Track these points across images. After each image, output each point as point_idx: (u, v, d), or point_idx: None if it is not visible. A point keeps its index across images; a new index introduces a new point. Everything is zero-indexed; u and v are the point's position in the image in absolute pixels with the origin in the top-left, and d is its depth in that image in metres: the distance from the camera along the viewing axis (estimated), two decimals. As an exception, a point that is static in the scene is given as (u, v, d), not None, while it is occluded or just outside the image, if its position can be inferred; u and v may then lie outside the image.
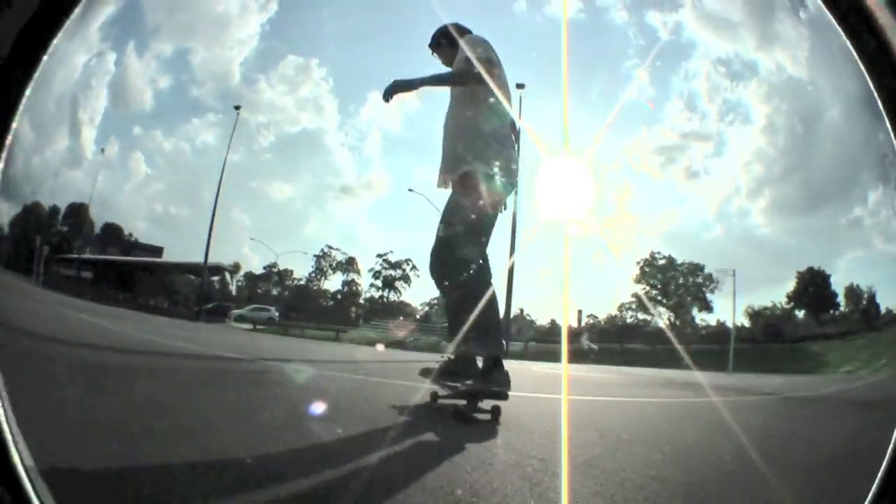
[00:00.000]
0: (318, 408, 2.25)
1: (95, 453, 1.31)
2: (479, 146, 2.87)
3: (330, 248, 6.67)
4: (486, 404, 2.43)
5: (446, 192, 2.92)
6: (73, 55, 5.40)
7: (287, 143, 6.88)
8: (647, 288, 7.33)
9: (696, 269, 7.56)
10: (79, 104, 6.11)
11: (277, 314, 6.25)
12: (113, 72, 6.03)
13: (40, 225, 6.26)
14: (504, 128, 2.96)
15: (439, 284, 2.85)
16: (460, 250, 2.77)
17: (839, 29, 0.96)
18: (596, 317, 7.34)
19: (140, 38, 6.17)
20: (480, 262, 2.81)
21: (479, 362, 2.69)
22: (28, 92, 1.06)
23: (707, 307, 7.44)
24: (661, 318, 7.24)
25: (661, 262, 7.38)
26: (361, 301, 6.60)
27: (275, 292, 6.61)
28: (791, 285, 7.14)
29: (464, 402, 2.52)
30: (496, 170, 2.83)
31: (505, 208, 2.92)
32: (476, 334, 2.69)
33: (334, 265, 6.67)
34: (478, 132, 2.89)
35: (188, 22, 6.73)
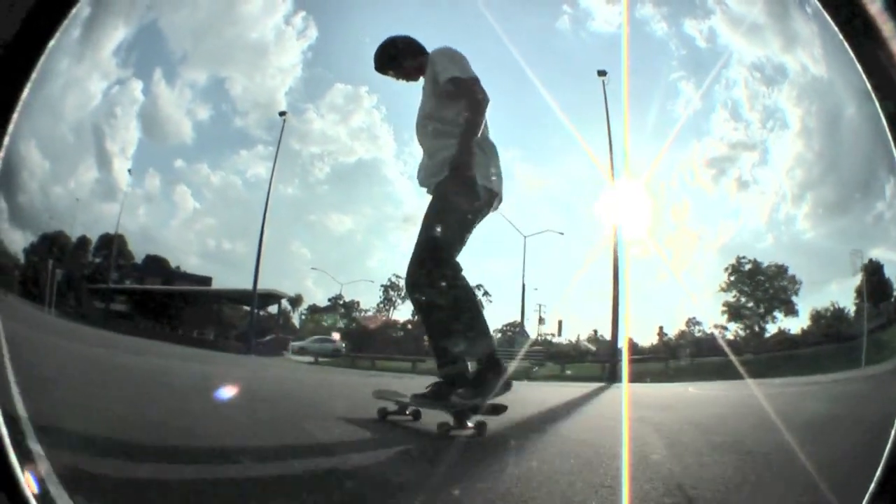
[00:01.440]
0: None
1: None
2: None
3: (398, 276, 6.27)
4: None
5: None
6: (86, 81, 5.22)
7: (343, 175, 6.40)
8: (737, 295, 6.74)
9: (781, 271, 7.00)
10: (104, 134, 5.83)
11: (343, 345, 5.73)
12: (141, 101, 5.69)
13: (64, 254, 5.89)
14: (486, 135, 2.95)
15: (419, 293, 2.84)
16: (442, 255, 2.76)
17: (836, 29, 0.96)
18: (666, 334, 6.95)
19: (167, 65, 5.84)
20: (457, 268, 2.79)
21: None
22: (28, 88, 1.03)
23: (793, 311, 6.96)
24: (755, 325, 6.66)
25: (748, 266, 6.81)
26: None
27: (340, 324, 6.22)
28: (834, 286, 6.64)
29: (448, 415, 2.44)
30: (479, 177, 2.82)
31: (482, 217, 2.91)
32: (464, 336, 2.73)
33: (403, 294, 6.18)
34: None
35: (219, 49, 6.28)
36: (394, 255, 6.51)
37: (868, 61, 0.95)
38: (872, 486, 0.89)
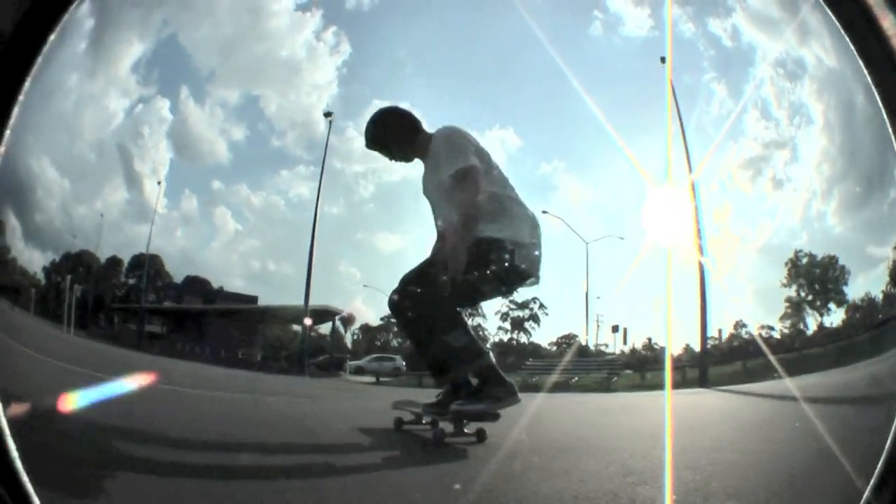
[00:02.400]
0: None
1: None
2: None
3: None
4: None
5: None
6: (103, 98, 5.08)
7: (388, 192, 6.09)
8: (797, 289, 6.56)
9: (832, 261, 6.82)
10: (132, 154, 5.59)
11: (404, 364, 5.51)
12: (170, 120, 5.45)
13: (90, 273, 5.84)
14: (520, 212, 2.99)
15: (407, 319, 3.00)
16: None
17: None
18: (716, 338, 6.82)
19: (193, 83, 5.60)
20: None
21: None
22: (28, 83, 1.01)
23: (844, 301, 6.82)
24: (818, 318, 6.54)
25: (805, 260, 6.64)
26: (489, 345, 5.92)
27: (395, 343, 6.01)
28: (861, 278, 6.58)
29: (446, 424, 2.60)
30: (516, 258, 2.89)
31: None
32: (454, 357, 2.83)
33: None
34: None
35: (248, 67, 6.12)
36: (444, 272, 6.33)
37: (863, 46, 0.95)
38: (872, 480, 0.90)
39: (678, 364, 5.49)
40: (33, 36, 1.01)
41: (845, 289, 6.92)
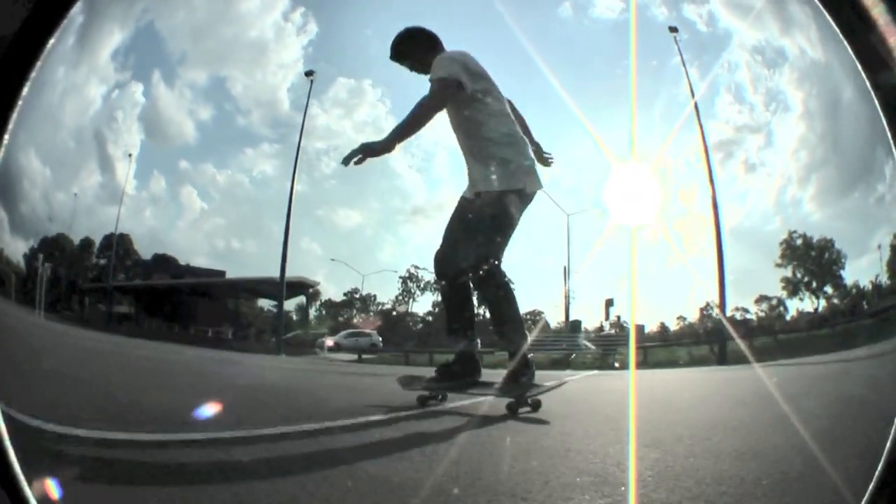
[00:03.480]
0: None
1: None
2: (487, 159, 2.98)
3: (417, 268, 6.08)
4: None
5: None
6: (85, 87, 5.16)
7: (350, 169, 5.93)
8: (793, 270, 6.42)
9: (828, 244, 6.69)
10: (106, 139, 5.68)
11: (381, 339, 5.27)
12: (143, 103, 5.59)
13: (64, 256, 5.67)
14: (507, 127, 3.05)
15: (453, 280, 2.99)
16: (478, 250, 2.92)
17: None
18: (685, 318, 6.74)
19: (165, 67, 5.77)
20: (495, 261, 2.94)
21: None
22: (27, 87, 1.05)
23: (841, 285, 6.68)
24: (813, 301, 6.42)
25: (799, 241, 6.50)
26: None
27: (356, 320, 5.92)
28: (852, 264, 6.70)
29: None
30: (510, 178, 2.95)
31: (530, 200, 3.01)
32: (502, 329, 2.92)
33: (422, 286, 6.00)
34: (482, 145, 3.01)
35: (218, 49, 6.23)
36: (404, 248, 6.35)
37: (856, 40, 0.93)
38: (873, 483, 0.89)
39: (684, 341, 5.35)
40: (33, 41, 1.03)
41: (843, 273, 6.98)
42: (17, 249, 4.71)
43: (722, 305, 5.32)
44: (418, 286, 5.94)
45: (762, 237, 7.31)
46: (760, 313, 6.77)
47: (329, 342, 5.35)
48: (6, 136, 1.02)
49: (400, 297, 5.95)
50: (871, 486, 0.88)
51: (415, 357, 5.09)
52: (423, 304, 6.09)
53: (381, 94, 6.50)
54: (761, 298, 6.82)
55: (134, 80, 5.57)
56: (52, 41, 1.06)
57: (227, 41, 6.29)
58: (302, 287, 5.37)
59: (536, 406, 2.66)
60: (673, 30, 5.11)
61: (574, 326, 5.18)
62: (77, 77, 4.94)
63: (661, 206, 4.50)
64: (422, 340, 5.64)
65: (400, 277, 5.95)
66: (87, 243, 6.17)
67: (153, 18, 5.49)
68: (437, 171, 6.64)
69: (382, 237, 6.61)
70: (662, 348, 5.37)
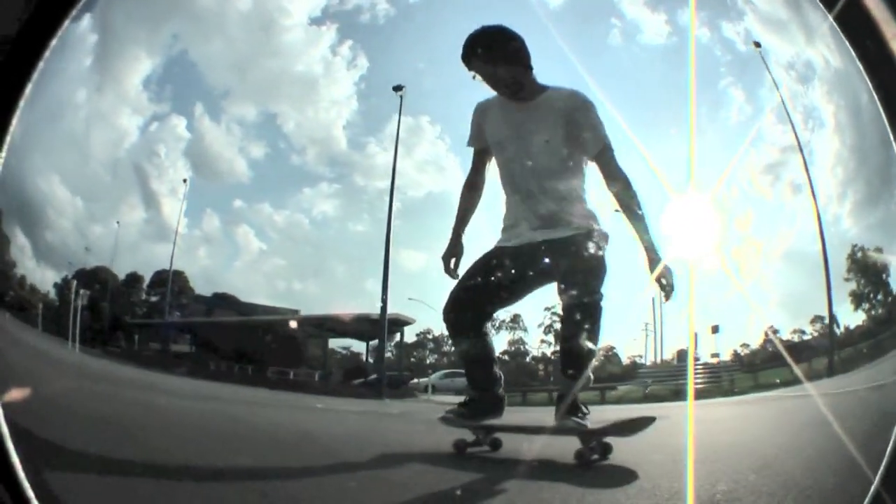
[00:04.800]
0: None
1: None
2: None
3: None
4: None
5: None
6: (114, 116, 5.05)
7: (413, 209, 5.99)
8: (857, 283, 6.46)
9: (880, 252, 6.77)
10: (148, 174, 5.56)
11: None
12: (188, 138, 5.38)
13: (105, 290, 5.57)
14: None
15: None
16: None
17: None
18: (748, 345, 6.85)
19: (209, 101, 5.51)
20: None
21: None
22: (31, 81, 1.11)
23: (892, 293, 6.80)
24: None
25: (860, 254, 6.56)
26: (529, 359, 5.71)
27: (430, 360, 5.77)
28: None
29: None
30: None
31: None
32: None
33: (496, 325, 5.95)
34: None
35: (263, 83, 6.01)
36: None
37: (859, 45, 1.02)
38: (875, 482, 0.90)
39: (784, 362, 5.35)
40: (34, 43, 1.06)
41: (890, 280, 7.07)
42: (45, 278, 4.60)
43: (831, 317, 5.21)
44: (493, 325, 5.86)
45: (808, 257, 7.39)
46: (815, 333, 7.15)
47: (426, 382, 5.21)
48: (7, 137, 1.03)
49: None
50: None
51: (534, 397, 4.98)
52: (501, 341, 5.90)
53: (441, 132, 6.17)
54: (816, 319, 7.08)
55: (174, 113, 5.38)
56: (53, 42, 1.09)
57: (273, 75, 6.11)
58: (397, 325, 5.20)
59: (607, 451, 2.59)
60: (757, 45, 4.97)
61: (680, 356, 5.17)
62: (103, 104, 4.85)
63: (720, 236, 4.51)
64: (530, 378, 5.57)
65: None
66: (134, 278, 6.03)
67: (186, 47, 5.27)
68: (502, 209, 6.68)
69: (447, 279, 6.61)
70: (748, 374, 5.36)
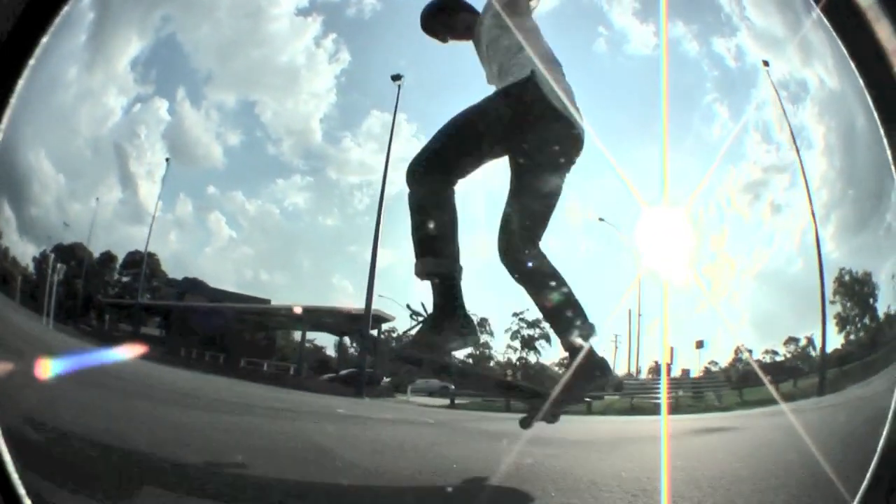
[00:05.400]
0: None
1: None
2: None
3: None
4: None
5: None
6: (102, 94, 5.03)
7: (384, 206, 5.94)
8: (842, 305, 6.44)
9: (867, 277, 6.76)
10: (128, 154, 5.55)
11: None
12: (168, 121, 5.38)
13: (81, 267, 5.50)
14: None
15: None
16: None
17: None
18: (716, 363, 6.84)
19: (191, 85, 5.50)
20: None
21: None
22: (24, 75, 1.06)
23: (876, 317, 6.79)
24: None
25: (847, 277, 6.53)
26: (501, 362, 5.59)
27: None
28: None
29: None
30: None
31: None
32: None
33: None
34: None
35: (246, 71, 6.03)
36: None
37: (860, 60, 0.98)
38: (867, 478, 0.94)
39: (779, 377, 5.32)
40: (30, 33, 1.03)
41: (877, 305, 7.03)
42: (26, 252, 4.58)
43: (823, 341, 5.31)
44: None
45: (786, 279, 6.91)
46: (788, 354, 7.27)
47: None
48: (4, 120, 1.00)
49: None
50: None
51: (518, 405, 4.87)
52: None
53: (417, 130, 6.07)
54: (790, 340, 7.13)
55: (157, 96, 5.35)
56: (50, 31, 1.05)
57: (256, 64, 6.08)
58: (378, 321, 5.07)
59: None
60: (765, 63, 4.98)
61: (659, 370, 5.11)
62: (93, 82, 4.82)
63: (692, 251, 4.54)
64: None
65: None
66: (108, 258, 5.91)
67: (175, 30, 5.24)
68: (474, 211, 6.62)
69: (414, 278, 6.63)
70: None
